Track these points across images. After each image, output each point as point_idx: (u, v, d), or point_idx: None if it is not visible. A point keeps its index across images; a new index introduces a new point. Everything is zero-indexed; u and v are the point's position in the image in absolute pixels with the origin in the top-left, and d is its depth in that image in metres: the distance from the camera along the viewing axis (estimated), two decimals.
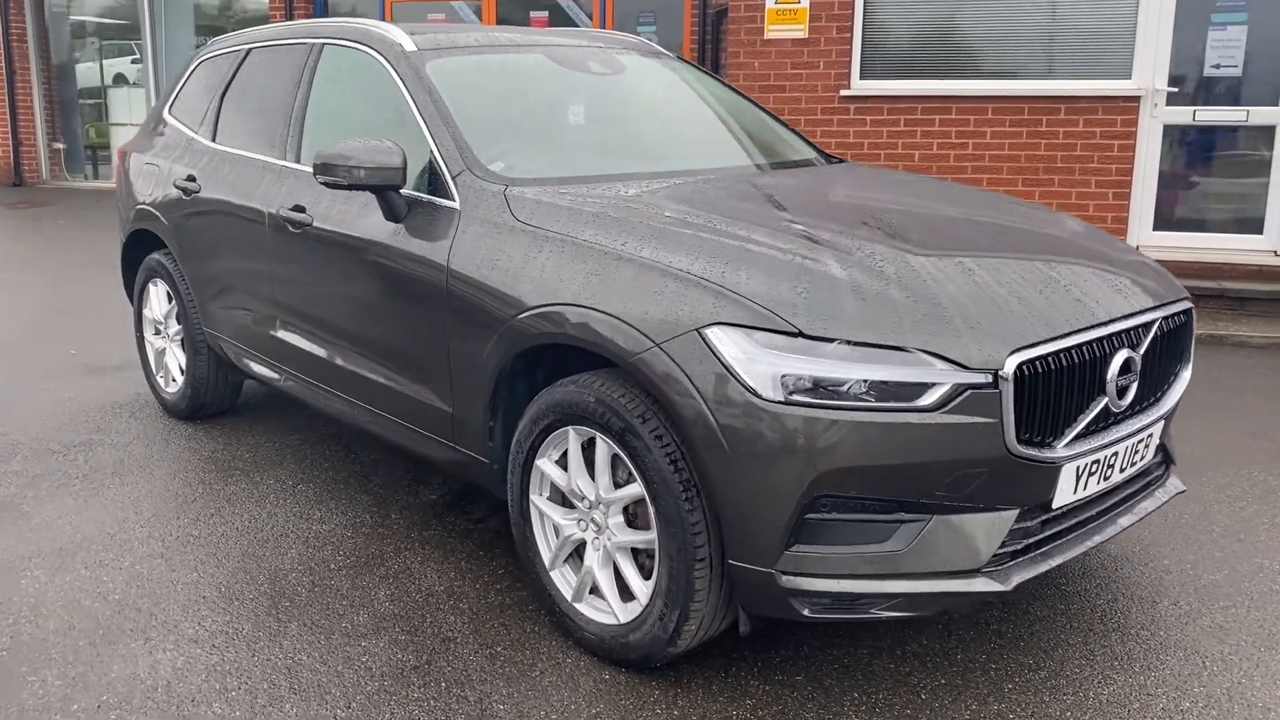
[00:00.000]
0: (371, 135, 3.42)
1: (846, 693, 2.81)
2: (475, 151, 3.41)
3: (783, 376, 2.47)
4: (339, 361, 3.81)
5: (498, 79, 3.90)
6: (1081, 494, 2.74)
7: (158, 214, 4.87)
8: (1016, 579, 2.59)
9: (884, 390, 2.45)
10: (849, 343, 2.48)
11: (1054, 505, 2.68)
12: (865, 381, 2.45)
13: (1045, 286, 2.76)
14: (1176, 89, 7.55)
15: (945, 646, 3.04)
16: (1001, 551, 2.60)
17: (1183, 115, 7.56)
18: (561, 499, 3.10)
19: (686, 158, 3.86)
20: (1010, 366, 2.47)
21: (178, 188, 4.71)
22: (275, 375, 4.28)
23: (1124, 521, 2.91)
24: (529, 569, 3.16)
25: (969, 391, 2.44)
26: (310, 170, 3.91)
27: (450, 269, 3.23)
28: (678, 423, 2.63)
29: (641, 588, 2.82)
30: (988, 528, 2.58)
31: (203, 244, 4.59)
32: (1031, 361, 2.52)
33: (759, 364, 2.49)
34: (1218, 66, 7.49)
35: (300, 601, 3.32)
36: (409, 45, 3.81)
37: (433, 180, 3.43)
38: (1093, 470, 2.73)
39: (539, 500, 3.09)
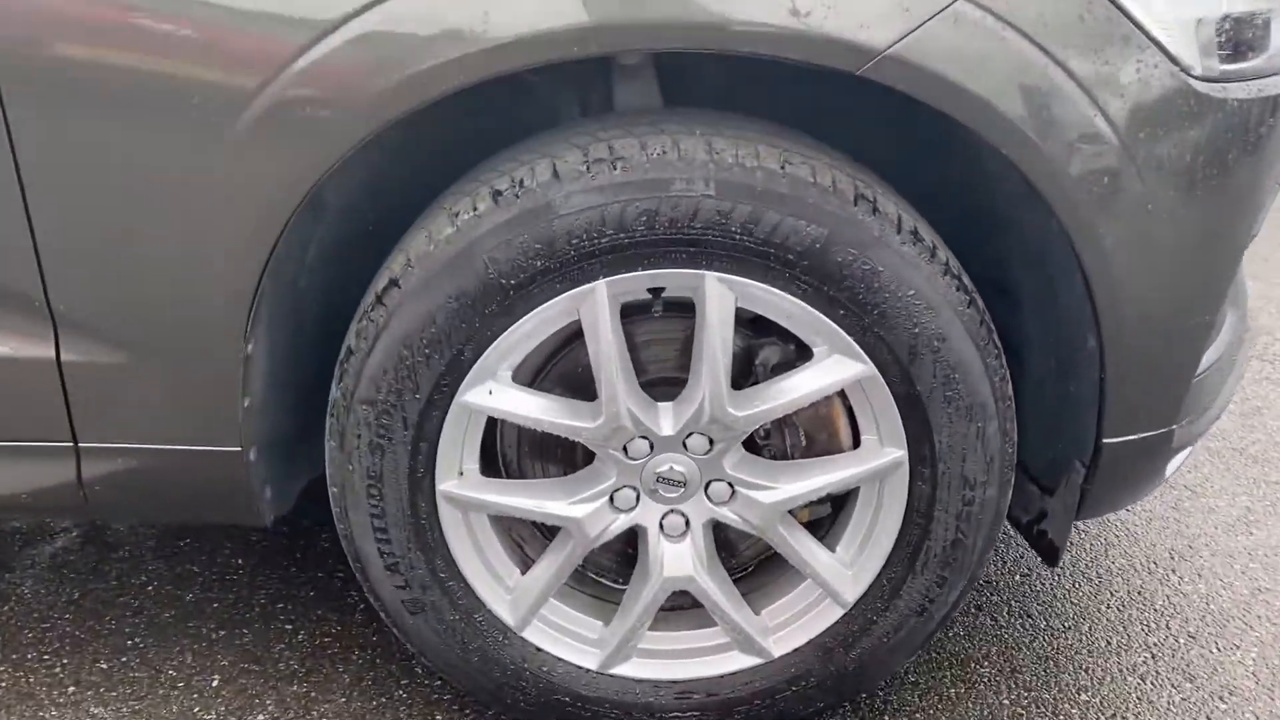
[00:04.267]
0: None
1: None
2: None
3: (1210, 22, 1.15)
4: None
5: None
6: None
7: None
8: None
9: None
10: None
11: None
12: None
13: None
14: None
15: None
16: None
17: None
18: (512, 468, 1.31)
19: None
20: None
21: None
22: None
23: None
24: (435, 655, 1.32)
25: None
26: None
27: None
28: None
29: (831, 564, 1.30)
30: None
31: None
32: None
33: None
34: None
35: None
36: None
37: None
38: None
39: (462, 489, 1.25)
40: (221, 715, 1.44)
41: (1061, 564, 1.76)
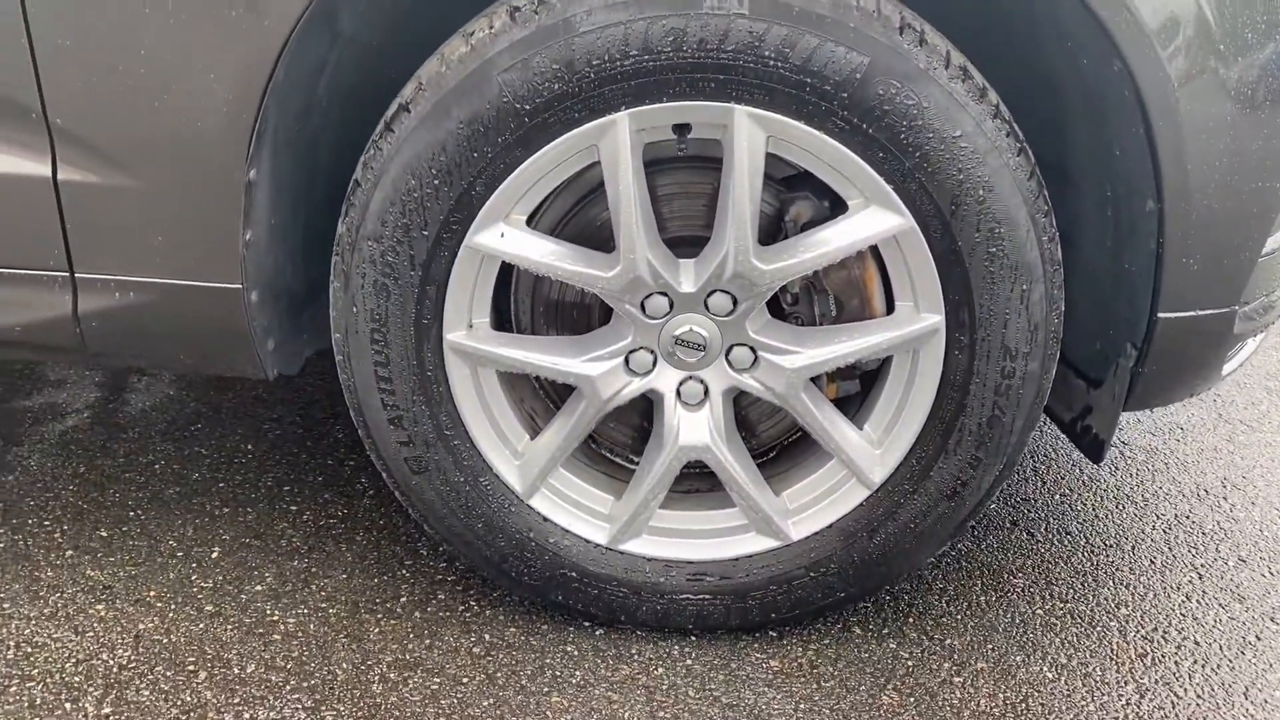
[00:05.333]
0: None
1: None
2: None
3: None
4: None
5: None
6: None
7: None
8: None
9: None
10: None
11: None
12: None
13: None
14: None
15: None
16: None
17: None
18: (525, 332, 1.25)
19: None
20: None
21: None
22: None
23: None
24: (437, 521, 1.26)
25: None
26: None
27: None
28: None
29: (858, 442, 1.22)
30: None
31: None
32: None
33: None
34: None
35: None
36: None
37: None
38: None
39: (472, 340, 1.18)
40: (219, 584, 1.40)
41: (1104, 482, 1.67)
